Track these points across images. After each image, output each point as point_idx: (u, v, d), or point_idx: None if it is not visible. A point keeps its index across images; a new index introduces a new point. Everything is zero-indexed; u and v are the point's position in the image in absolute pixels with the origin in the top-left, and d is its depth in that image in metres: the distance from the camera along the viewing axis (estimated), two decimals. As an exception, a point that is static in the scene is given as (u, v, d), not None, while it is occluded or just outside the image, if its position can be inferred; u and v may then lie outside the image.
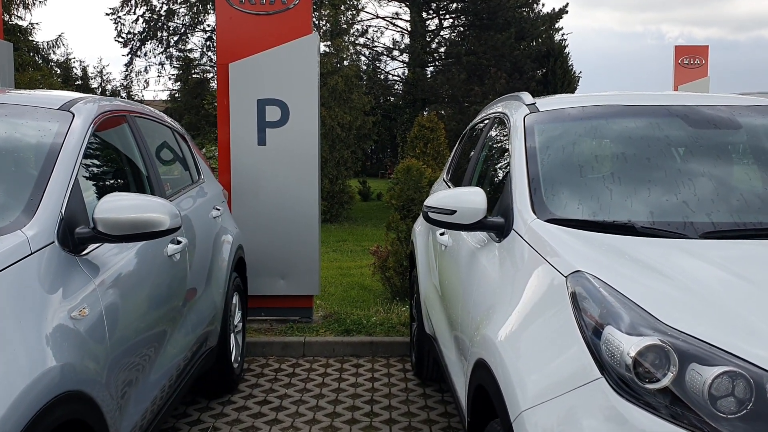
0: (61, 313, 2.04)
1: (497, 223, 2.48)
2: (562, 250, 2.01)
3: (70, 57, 31.19)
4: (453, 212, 2.51)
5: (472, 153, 3.66)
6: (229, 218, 4.57)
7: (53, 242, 2.16)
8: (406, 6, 25.62)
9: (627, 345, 1.53)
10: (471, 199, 2.50)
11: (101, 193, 2.52)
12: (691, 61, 21.72)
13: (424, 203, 2.65)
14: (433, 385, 4.52)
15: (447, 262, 3.34)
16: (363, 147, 17.51)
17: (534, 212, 2.34)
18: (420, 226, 4.61)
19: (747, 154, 2.66)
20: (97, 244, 2.40)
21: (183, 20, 25.46)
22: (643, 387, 1.48)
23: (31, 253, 2.03)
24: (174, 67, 26.27)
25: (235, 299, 4.48)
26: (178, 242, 3.19)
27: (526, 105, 2.99)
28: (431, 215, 2.59)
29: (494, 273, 2.40)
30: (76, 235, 2.28)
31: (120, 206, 2.33)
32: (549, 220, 2.27)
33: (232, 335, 4.34)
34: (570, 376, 1.63)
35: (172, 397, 3.10)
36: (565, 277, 1.85)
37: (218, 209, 4.28)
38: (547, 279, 1.95)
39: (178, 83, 25.86)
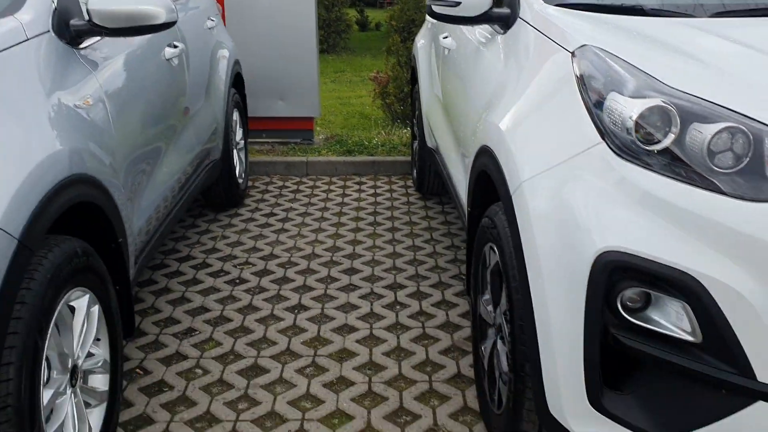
0: (64, 100, 2.04)
1: (503, 13, 2.41)
2: (568, 29, 1.97)
3: None
4: (457, 4, 2.43)
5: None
6: (224, 31, 4.45)
7: (48, 31, 2.11)
8: None
9: (629, 108, 1.54)
10: (476, -11, 2.41)
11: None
12: None
13: (428, -2, 2.57)
14: (434, 198, 4.64)
15: (450, 65, 3.29)
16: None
17: (542, -3, 2.26)
18: (422, 39, 4.49)
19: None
20: (95, 39, 2.35)
21: None
22: (644, 148, 1.51)
23: (28, 39, 1.99)
24: None
25: (236, 115, 4.47)
26: (175, 46, 3.12)
27: None
28: (435, 8, 2.51)
29: (499, 64, 2.37)
30: (71, 27, 2.22)
31: (114, -3, 2.25)
32: (556, 5, 2.21)
33: (234, 151, 4.38)
34: (571, 145, 1.66)
35: (180, 202, 3.19)
36: (571, 52, 1.82)
37: (212, 20, 4.15)
38: (552, 58, 1.93)
39: None
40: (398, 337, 2.88)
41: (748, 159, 1.41)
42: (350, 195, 4.73)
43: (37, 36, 2.04)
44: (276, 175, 5.21)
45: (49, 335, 1.75)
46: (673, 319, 1.43)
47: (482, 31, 2.71)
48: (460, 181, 2.84)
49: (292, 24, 5.36)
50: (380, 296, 3.24)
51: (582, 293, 1.51)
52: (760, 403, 1.33)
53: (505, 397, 1.99)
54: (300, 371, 2.64)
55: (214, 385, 2.57)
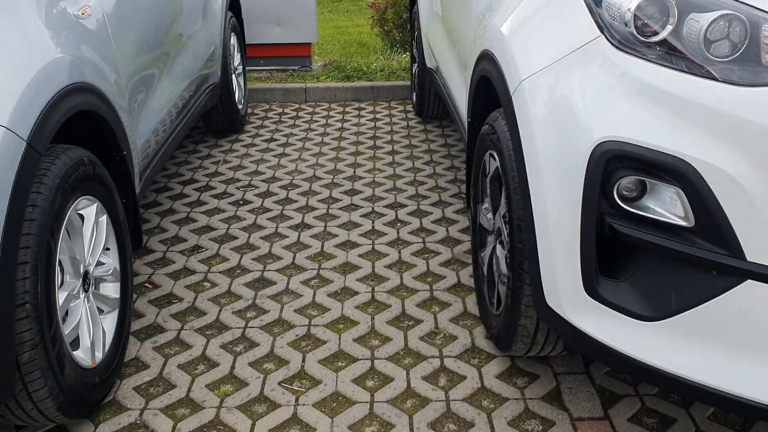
0: (63, 8, 2.03)
1: None
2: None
3: None
4: None
5: None
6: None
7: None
8: None
9: (628, 1, 1.54)
10: None
11: None
12: None
13: None
14: (434, 122, 4.64)
15: (449, -20, 3.25)
16: None
17: None
18: (419, -43, 4.41)
19: None
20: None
21: None
22: (642, 40, 1.52)
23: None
24: None
25: (233, 40, 4.43)
26: (170, -36, 3.08)
27: None
28: None
29: (498, -30, 2.34)
30: (65, -64, 2.19)
31: None
32: None
33: (233, 76, 4.36)
34: (570, 41, 1.67)
35: (182, 122, 3.20)
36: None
37: (207, -60, 4.06)
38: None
39: None
40: (399, 252, 2.94)
41: (744, 47, 1.42)
42: (349, 120, 4.73)
43: (31, -56, 2.02)
44: (275, 102, 5.19)
45: (60, 240, 1.80)
46: (667, 206, 1.47)
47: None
48: (461, 93, 2.85)
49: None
50: (381, 215, 3.29)
51: (579, 185, 1.55)
52: (749, 282, 1.38)
53: (504, 297, 2.05)
54: (305, 283, 2.71)
55: (222, 296, 2.64)
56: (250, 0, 5.20)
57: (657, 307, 1.50)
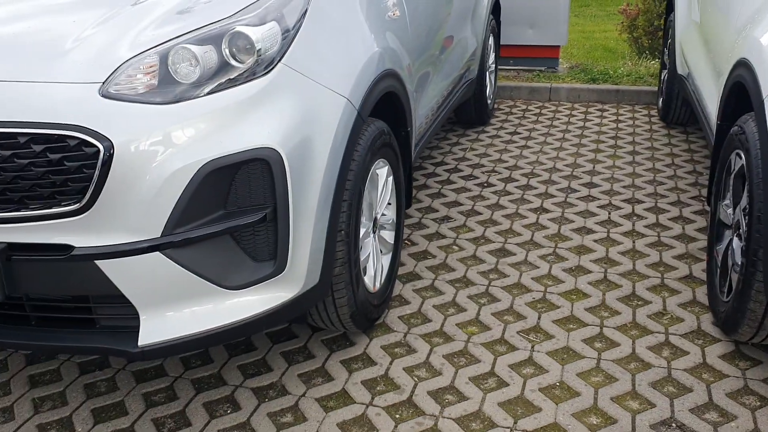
0: (380, 11, 2.58)
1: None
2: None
3: None
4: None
5: None
6: (488, -41, 4.81)
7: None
8: None
9: None
10: None
11: None
12: None
13: None
14: (678, 128, 4.70)
15: (712, -10, 3.37)
16: None
17: None
18: (682, -34, 4.49)
19: None
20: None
21: None
22: None
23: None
24: None
25: (491, 41, 4.86)
26: (453, -28, 3.58)
27: None
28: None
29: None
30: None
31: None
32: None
33: (486, 73, 4.80)
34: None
35: (445, 108, 3.70)
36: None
37: (480, -51, 4.53)
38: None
39: None
40: (633, 242, 3.16)
41: None
42: (592, 120, 4.95)
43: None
44: (519, 99, 5.56)
45: (366, 188, 2.34)
46: None
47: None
48: (712, 97, 2.99)
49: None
50: (618, 207, 3.52)
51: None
52: None
53: (735, 284, 2.23)
54: (542, 257, 3.06)
55: (468, 259, 3.08)
56: (508, 4, 5.60)
57: None
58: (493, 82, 5.09)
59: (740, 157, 2.29)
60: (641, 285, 2.80)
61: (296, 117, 1.97)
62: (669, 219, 3.36)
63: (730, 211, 2.43)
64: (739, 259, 2.25)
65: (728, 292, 2.34)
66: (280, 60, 1.98)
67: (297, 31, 2.06)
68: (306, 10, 2.13)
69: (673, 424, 2.06)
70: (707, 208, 3.41)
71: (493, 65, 5.08)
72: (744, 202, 2.22)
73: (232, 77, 1.89)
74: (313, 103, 2.03)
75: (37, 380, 2.36)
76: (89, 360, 2.45)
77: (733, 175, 2.40)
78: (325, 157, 2.04)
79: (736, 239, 2.34)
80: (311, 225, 2.02)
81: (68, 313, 1.92)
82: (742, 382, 2.22)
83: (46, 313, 1.92)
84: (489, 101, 4.93)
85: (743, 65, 2.30)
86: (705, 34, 3.43)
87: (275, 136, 1.90)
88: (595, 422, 2.08)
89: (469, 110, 4.75)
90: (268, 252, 1.96)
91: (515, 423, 2.09)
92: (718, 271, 2.48)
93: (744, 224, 2.20)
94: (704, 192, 3.62)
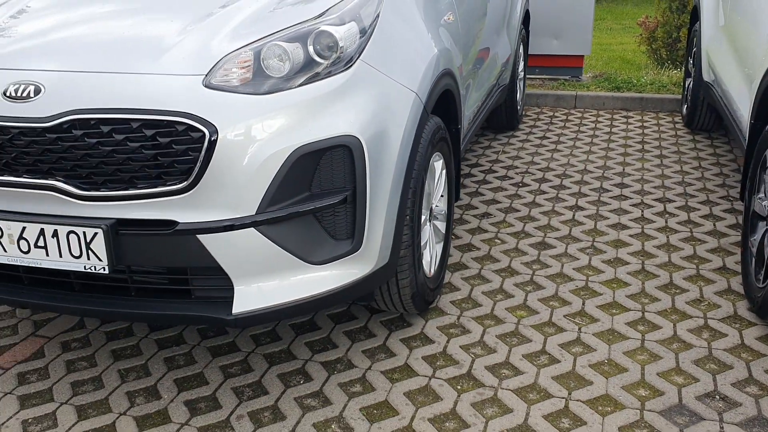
0: (438, 15, 2.78)
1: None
2: None
3: None
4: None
5: None
6: (519, -28, 5.02)
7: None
8: None
9: None
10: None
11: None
12: None
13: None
14: (703, 134, 4.87)
15: (741, -1, 3.56)
16: None
17: None
18: (707, -21, 4.68)
19: None
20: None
21: None
22: None
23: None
24: None
25: (521, 49, 5.06)
26: (494, -18, 3.78)
27: None
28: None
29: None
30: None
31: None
32: None
33: (517, 80, 4.99)
34: None
35: (485, 108, 3.90)
36: None
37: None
38: None
39: None
40: (668, 237, 3.33)
41: None
42: (618, 126, 5.13)
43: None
44: (546, 107, 5.75)
45: (426, 178, 2.52)
46: None
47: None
48: (743, 101, 3.17)
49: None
50: (649, 206, 3.69)
51: None
52: None
53: (772, 269, 2.40)
54: (581, 250, 3.23)
55: (511, 251, 3.25)
56: (535, 15, 5.80)
57: None
58: (522, 89, 5.28)
59: (777, 153, 2.46)
60: (678, 275, 2.97)
61: (373, 108, 2.16)
62: (700, 216, 3.53)
63: (765, 203, 2.60)
64: (775, 247, 2.42)
65: (764, 279, 2.50)
66: (359, 57, 2.17)
67: (372, 31, 2.26)
68: (379, 13, 2.33)
69: (717, 396, 2.22)
70: (736, 206, 3.58)
71: (522, 72, 5.28)
72: (781, 193, 2.39)
73: (317, 71, 2.08)
74: (387, 96, 2.23)
75: (119, 354, 2.54)
76: (166, 336, 2.63)
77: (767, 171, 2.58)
78: (397, 145, 2.22)
79: (771, 229, 2.51)
80: (384, 208, 2.21)
81: (167, 284, 2.10)
82: (779, 361, 2.38)
83: (146, 285, 2.11)
84: (519, 107, 5.12)
85: (779, 67, 2.48)
86: (734, 42, 3.62)
87: (356, 125, 2.09)
88: (643, 394, 2.25)
89: (500, 115, 4.93)
90: (346, 231, 2.14)
91: (569, 394, 2.26)
92: (753, 260, 2.64)
93: (781, 213, 2.37)
94: (732, 192, 3.79)
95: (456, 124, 2.98)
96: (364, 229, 2.15)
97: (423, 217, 2.57)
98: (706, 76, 4.36)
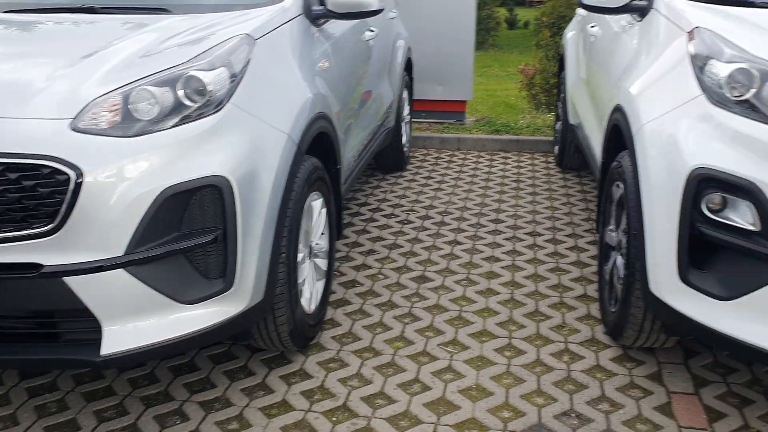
0: (311, 62, 2.92)
1: (640, 5, 3.03)
2: (688, 16, 2.57)
3: None
4: (605, -3, 3.07)
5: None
6: (400, 22, 5.28)
7: (301, 14, 2.99)
8: None
9: (723, 69, 2.15)
10: (621, -15, 3.05)
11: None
12: None
13: (580, -8, 3.22)
14: (572, 173, 5.23)
15: (596, 50, 3.92)
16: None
17: (672, -7, 2.87)
18: (571, 31, 5.11)
19: None
20: (326, 20, 3.21)
21: None
22: (730, 98, 2.11)
23: (291, 19, 2.88)
24: None
25: (405, 94, 5.30)
26: (372, 31, 3.98)
27: None
28: (585, 1, 3.16)
29: (634, 44, 3.00)
30: (313, 12, 3.10)
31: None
32: (684, -2, 2.81)
33: (402, 124, 5.21)
34: (680, 97, 2.28)
35: (369, 151, 4.05)
36: (687, 32, 2.44)
37: (393, 12, 4.99)
38: (674, 37, 2.54)
39: None
40: (536, 267, 3.56)
41: (806, 106, 1.98)
42: (496, 167, 5.43)
43: (296, 17, 2.93)
44: (432, 149, 6.00)
45: (303, 216, 2.62)
46: (741, 216, 2.03)
47: (623, 19, 3.33)
48: (597, 140, 3.47)
49: (454, 19, 6.11)
50: (521, 239, 3.93)
51: (678, 199, 2.14)
52: (799, 271, 1.92)
53: (619, 294, 2.63)
54: (457, 282, 3.40)
55: (393, 286, 3.37)
56: (419, 62, 6.09)
57: (731, 289, 2.05)
58: (408, 132, 5.51)
59: (619, 187, 2.72)
60: (543, 303, 3.18)
61: (244, 149, 2.24)
62: (566, 248, 3.80)
63: (614, 234, 2.86)
64: (621, 272, 2.66)
65: (615, 302, 2.74)
66: (228, 100, 2.26)
67: (242, 76, 2.36)
68: (249, 59, 2.43)
69: (572, 414, 2.40)
70: (597, 238, 3.87)
71: (408, 116, 5.52)
72: (624, 224, 2.64)
73: (187, 114, 2.15)
74: (259, 138, 2.32)
75: (-15, 404, 2.45)
76: (38, 384, 2.57)
77: (615, 203, 2.84)
78: (269, 185, 2.31)
79: (619, 257, 2.75)
80: (257, 247, 2.28)
81: (34, 328, 2.08)
82: (629, 379, 2.60)
83: (13, 329, 2.07)
84: (405, 149, 5.34)
85: (618, 110, 2.76)
86: (590, 88, 3.96)
87: (226, 166, 2.16)
88: (507, 416, 2.40)
89: (387, 157, 5.12)
90: (218, 270, 2.20)
91: (438, 419, 2.37)
92: (607, 287, 2.89)
93: (624, 242, 2.62)
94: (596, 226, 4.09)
95: (335, 165, 3.10)
96: (236, 267, 2.22)
97: (301, 255, 2.66)
98: (572, 120, 4.72)
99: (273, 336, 2.58)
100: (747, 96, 2.10)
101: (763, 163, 2.00)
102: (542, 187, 4.90)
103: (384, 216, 4.34)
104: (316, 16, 3.11)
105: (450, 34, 6.15)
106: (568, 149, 5.00)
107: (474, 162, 5.57)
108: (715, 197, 2.08)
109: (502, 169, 5.35)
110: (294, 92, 2.64)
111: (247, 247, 2.24)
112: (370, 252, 3.78)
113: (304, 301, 2.70)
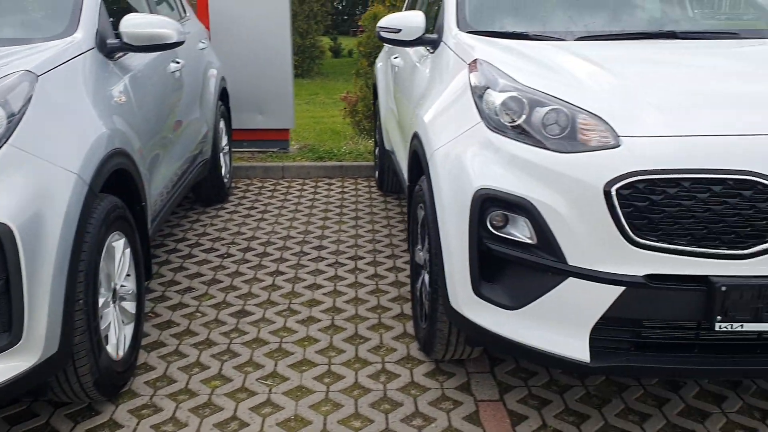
0: (107, 97, 2.80)
1: (432, 38, 3.23)
2: (470, 48, 2.78)
3: None
4: (399, 30, 3.24)
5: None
6: (212, 52, 5.23)
7: (94, 48, 2.87)
8: None
9: (497, 98, 2.35)
10: (413, 19, 3.23)
11: (120, 16, 3.18)
12: None
13: (377, 25, 3.37)
14: (393, 195, 5.43)
15: (399, 80, 4.11)
16: (332, 1, 17.57)
17: (458, 27, 3.09)
18: (380, 62, 5.32)
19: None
20: (123, 53, 3.11)
21: None
22: (505, 123, 2.31)
23: (82, 53, 2.75)
24: None
25: (222, 124, 5.23)
26: (177, 62, 3.90)
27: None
28: (382, 34, 3.31)
29: (428, 74, 3.18)
30: (108, 45, 2.98)
31: (139, 23, 3.02)
32: (468, 32, 3.03)
33: (221, 154, 5.14)
34: (463, 125, 2.46)
35: (181, 186, 3.94)
36: (469, 64, 2.63)
37: (203, 42, 4.93)
38: (457, 68, 2.74)
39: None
40: (356, 291, 3.64)
41: (567, 129, 2.21)
42: (321, 193, 5.51)
43: (87, 51, 2.81)
44: (255, 178, 5.97)
45: (102, 260, 2.49)
46: (520, 230, 2.21)
47: (418, 51, 3.53)
48: (404, 165, 3.63)
49: (270, 47, 6.16)
50: (343, 264, 4.01)
51: (466, 218, 2.29)
52: (570, 279, 2.12)
53: (427, 310, 2.76)
54: (278, 313, 3.39)
55: (211, 323, 3.30)
56: (238, 91, 6.05)
57: (516, 299, 2.23)
58: (228, 163, 5.44)
59: (422, 209, 2.86)
60: (362, 326, 3.25)
61: (27, 193, 2.10)
62: (385, 269, 3.92)
63: (421, 253, 2.99)
64: (428, 289, 2.79)
65: (424, 318, 2.86)
66: (5, 141, 2.11)
67: (23, 115, 2.21)
68: (31, 96, 2.29)
69: (389, 432, 2.47)
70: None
71: (227, 147, 5.45)
72: (427, 243, 2.78)
73: (-42, 158, 1.98)
74: (44, 179, 2.18)
75: None
76: None
77: (420, 224, 2.98)
78: (58, 228, 2.18)
79: (426, 275, 2.89)
80: (47, 295, 2.13)
81: None
82: (441, 392, 2.72)
83: None
84: (226, 180, 5.26)
85: (416, 137, 2.91)
86: (396, 116, 4.14)
87: (5, 212, 2.01)
88: (325, 442, 2.42)
89: (207, 189, 5.02)
90: (2, 323, 2.03)
91: (257, 455, 2.34)
92: (418, 304, 3.01)
93: (428, 261, 2.75)
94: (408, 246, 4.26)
95: (140, 202, 2.99)
96: (24, 319, 2.06)
97: (103, 300, 2.52)
98: (387, 146, 4.90)
99: (76, 388, 2.42)
100: (519, 122, 2.29)
101: (535, 182, 2.19)
102: (364, 211, 5.03)
103: (203, 251, 4.23)
104: (111, 50, 3.00)
105: (267, 61, 6.18)
106: (388, 173, 5.18)
107: (298, 190, 5.60)
108: (498, 215, 2.25)
109: (326, 196, 5.43)
110: (85, 129, 2.52)
111: (34, 295, 2.09)
112: (188, 290, 3.67)
113: (110, 348, 2.56)
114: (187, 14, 4.97)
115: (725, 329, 2.04)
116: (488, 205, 2.26)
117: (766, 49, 2.94)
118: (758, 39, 3.05)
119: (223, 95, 5.29)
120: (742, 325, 2.03)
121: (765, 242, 2.02)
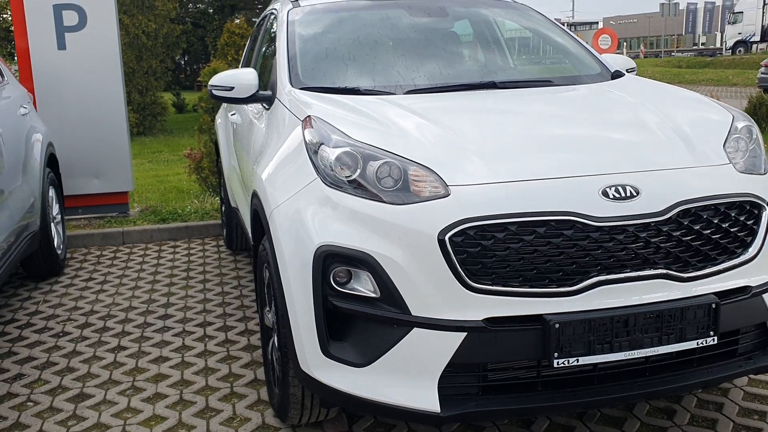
0: None
1: (266, 95, 3.20)
2: (302, 105, 2.78)
3: None
4: (231, 88, 3.18)
5: (255, 45, 4.32)
6: (36, 117, 4.90)
7: None
8: None
9: (331, 154, 2.35)
10: (245, 77, 3.19)
11: None
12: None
13: (209, 83, 3.29)
14: (243, 253, 5.28)
15: (238, 137, 4.04)
16: (172, 56, 17.22)
17: (291, 83, 3.09)
18: (219, 118, 5.23)
19: (449, 35, 3.58)
20: None
21: None
22: (341, 179, 2.31)
23: None
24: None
25: (52, 192, 4.88)
26: (-7, 131, 3.60)
27: (291, 1, 3.69)
28: (214, 92, 3.24)
29: (264, 131, 3.14)
30: None
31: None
32: (301, 88, 3.03)
33: (52, 224, 4.77)
34: (300, 181, 2.43)
35: (4, 265, 3.59)
36: (303, 120, 2.63)
37: (25, 108, 4.60)
38: (293, 125, 2.72)
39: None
40: (206, 361, 3.46)
41: (400, 181, 2.25)
42: (165, 257, 5.25)
43: None
44: (93, 246, 5.60)
45: None
46: (363, 285, 2.20)
47: (255, 106, 3.49)
48: (247, 221, 3.55)
49: (103, 108, 5.87)
50: (191, 332, 3.81)
51: (309, 276, 2.25)
52: (415, 329, 2.13)
53: (278, 374, 2.66)
54: (121, 393, 3.14)
55: (45, 411, 2.99)
56: (69, 155, 5.69)
57: (365, 355, 2.20)
58: (61, 233, 5.06)
59: (267, 270, 2.78)
60: (213, 397, 3.08)
61: None
62: (236, 334, 3.77)
63: (270, 315, 2.90)
64: (278, 353, 2.70)
65: (276, 385, 2.76)
66: None
67: None
68: None
69: None
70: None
71: (59, 216, 5.08)
72: (273, 305, 2.70)
73: None
74: None
75: None
76: None
77: (266, 285, 2.89)
78: None
79: (276, 338, 2.79)
80: None
81: None
82: (300, 457, 2.62)
83: None
84: (60, 251, 4.88)
85: (255, 196, 2.85)
86: (239, 173, 4.06)
87: None
88: None
89: (38, 263, 4.63)
90: None
91: None
92: (270, 369, 2.90)
93: (276, 324, 2.67)
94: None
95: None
96: None
97: None
98: (232, 203, 4.78)
99: None
100: (354, 176, 2.30)
101: (374, 235, 2.20)
102: (213, 273, 4.85)
103: (35, 332, 3.87)
104: None
105: (100, 122, 5.89)
106: (236, 230, 5.05)
107: (140, 256, 5.31)
108: (341, 271, 2.23)
109: (171, 260, 5.18)
110: None
111: None
112: (18, 377, 3.32)
113: None
114: (5, 78, 4.63)
115: (563, 365, 2.12)
116: (330, 261, 2.23)
117: (577, 95, 3.19)
118: (570, 85, 3.31)
119: (52, 161, 4.95)
120: (578, 360, 2.12)
121: (590, 278, 2.14)
